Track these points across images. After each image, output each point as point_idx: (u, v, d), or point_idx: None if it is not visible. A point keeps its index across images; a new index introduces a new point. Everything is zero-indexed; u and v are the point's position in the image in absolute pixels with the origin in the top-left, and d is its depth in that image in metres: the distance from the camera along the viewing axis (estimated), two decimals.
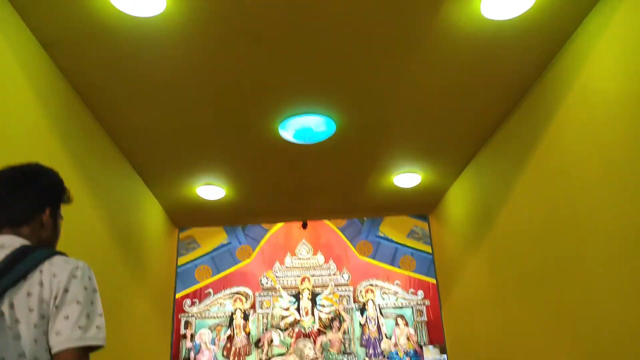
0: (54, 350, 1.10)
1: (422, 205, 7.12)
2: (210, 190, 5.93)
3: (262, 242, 9.04)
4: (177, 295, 8.23)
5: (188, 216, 6.21)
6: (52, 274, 1.15)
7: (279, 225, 9.07)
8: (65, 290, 1.14)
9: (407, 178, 5.85)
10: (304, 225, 8.31)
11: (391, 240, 8.65)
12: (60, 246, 1.39)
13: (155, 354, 4.76)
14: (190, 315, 8.29)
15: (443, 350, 7.46)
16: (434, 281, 8.46)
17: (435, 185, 6.11)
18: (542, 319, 3.28)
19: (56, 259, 1.20)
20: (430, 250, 8.40)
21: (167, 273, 4.61)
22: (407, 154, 4.90)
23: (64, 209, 1.45)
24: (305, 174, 5.32)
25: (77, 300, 1.14)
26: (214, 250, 8.50)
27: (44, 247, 1.27)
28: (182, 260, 8.14)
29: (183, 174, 4.78)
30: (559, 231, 3.00)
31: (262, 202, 6.62)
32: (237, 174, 5.33)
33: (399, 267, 8.66)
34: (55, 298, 1.13)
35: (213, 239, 8.17)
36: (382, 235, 8.63)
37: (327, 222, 9.10)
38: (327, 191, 6.23)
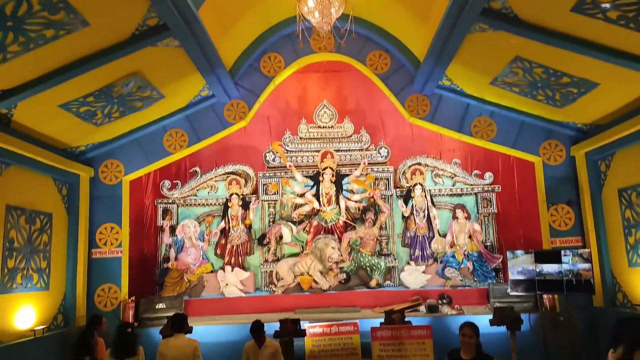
0: None
1: None
2: None
3: (263, 97, 6.20)
4: (142, 172, 5.95)
5: None
6: None
7: (288, 71, 6.22)
8: None
9: None
10: None
11: (461, 92, 5.72)
12: None
13: None
14: (169, 201, 6.02)
15: (543, 258, 4.81)
16: (523, 155, 5.77)
17: None
18: None
19: None
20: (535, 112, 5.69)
21: None
22: None
23: None
24: None
25: None
26: (189, 105, 5.66)
27: None
28: (134, 119, 5.52)
29: None
30: None
31: None
32: None
33: (471, 135, 5.90)
34: None
35: (182, 84, 5.25)
36: (447, 84, 5.69)
37: (361, 66, 6.15)
38: None
